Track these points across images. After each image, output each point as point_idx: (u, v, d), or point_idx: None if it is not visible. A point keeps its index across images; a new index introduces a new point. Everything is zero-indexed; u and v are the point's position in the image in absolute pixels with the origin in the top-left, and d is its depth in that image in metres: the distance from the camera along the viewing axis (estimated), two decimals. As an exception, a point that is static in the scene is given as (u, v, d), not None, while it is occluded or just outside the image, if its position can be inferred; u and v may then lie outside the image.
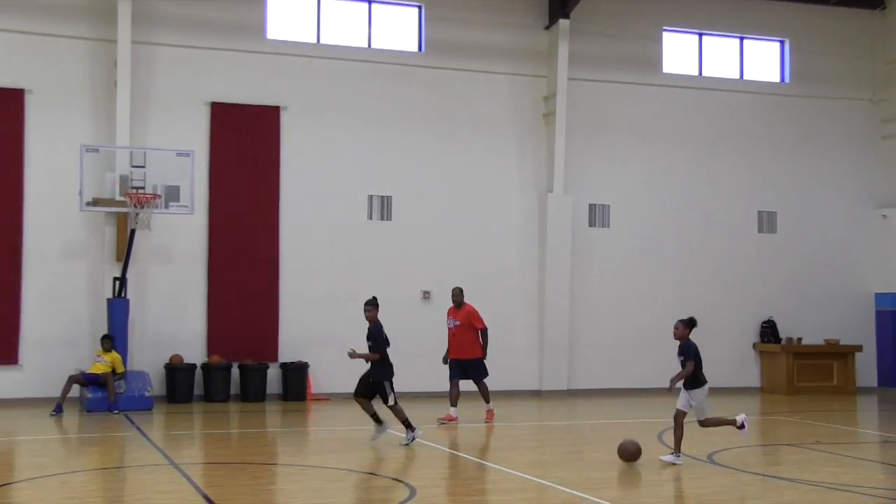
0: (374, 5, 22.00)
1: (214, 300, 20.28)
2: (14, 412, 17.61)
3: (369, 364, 13.92)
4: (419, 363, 19.30)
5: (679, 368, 12.30)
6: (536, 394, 21.82)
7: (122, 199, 18.55)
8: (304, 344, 20.56)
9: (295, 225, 20.90)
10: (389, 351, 14.03)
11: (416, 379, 19.14)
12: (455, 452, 13.70)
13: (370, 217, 21.58)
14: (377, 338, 13.89)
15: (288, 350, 20.59)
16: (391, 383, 13.79)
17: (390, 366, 13.94)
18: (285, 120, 21.03)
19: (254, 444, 14.81)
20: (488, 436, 15.51)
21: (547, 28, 22.61)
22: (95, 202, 18.58)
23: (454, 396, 16.72)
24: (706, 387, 12.39)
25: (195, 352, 19.98)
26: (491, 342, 17.22)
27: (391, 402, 13.72)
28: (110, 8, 19.69)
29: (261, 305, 20.52)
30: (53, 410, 17.09)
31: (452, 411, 16.54)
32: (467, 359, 16.87)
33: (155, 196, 18.52)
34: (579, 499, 10.12)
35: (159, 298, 19.97)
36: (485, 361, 17.09)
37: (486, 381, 17.08)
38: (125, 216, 18.86)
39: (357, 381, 14.10)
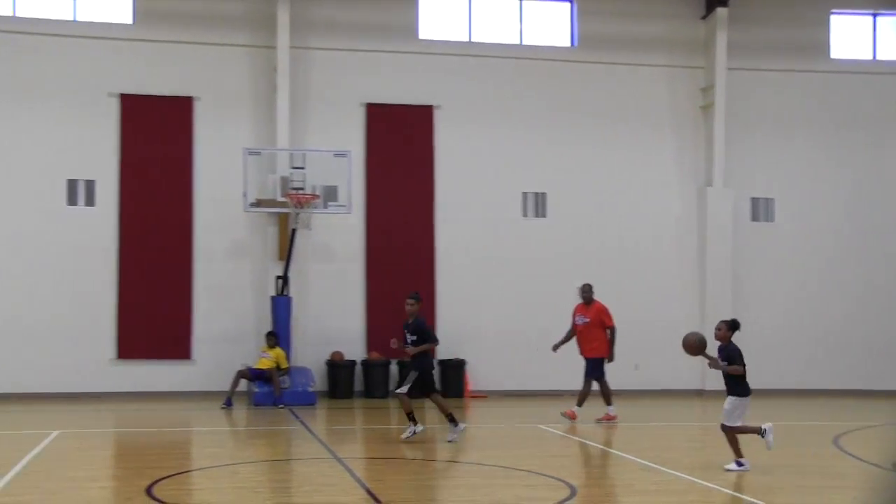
0: (525, 2, 21.98)
1: (373, 297, 20.66)
2: (188, 404, 18.42)
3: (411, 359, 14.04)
4: (576, 361, 19.15)
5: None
6: (699, 393, 21.36)
7: (283, 199, 19.10)
8: (461, 341, 20.69)
9: (450, 223, 21.07)
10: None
11: (573, 377, 18.96)
12: (614, 451, 13.53)
13: (525, 214, 21.56)
14: (429, 331, 14.04)
15: (445, 347, 20.72)
16: (419, 375, 13.71)
17: (430, 361, 14.09)
18: (439, 118, 21.23)
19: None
20: (649, 435, 15.26)
21: (704, 17, 22.12)
22: (258, 203, 19.19)
23: (583, 396, 16.35)
24: (748, 398, 11.46)
25: (355, 348, 20.40)
26: (650, 341, 16.98)
27: (403, 389, 13.69)
28: (270, 16, 20.31)
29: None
30: (224, 403, 17.74)
31: (611, 410, 16.32)
32: (591, 357, 16.50)
33: (314, 196, 19.00)
34: None
35: (320, 296, 20.48)
36: (604, 361, 16.48)
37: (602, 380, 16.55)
38: (286, 216, 19.42)
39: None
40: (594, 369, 16.37)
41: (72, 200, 19.89)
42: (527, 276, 20.88)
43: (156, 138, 20.20)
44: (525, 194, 21.59)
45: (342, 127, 20.77)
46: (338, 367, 19.95)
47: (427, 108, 21.25)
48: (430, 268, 20.95)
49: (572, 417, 15.88)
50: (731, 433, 11.39)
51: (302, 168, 19.20)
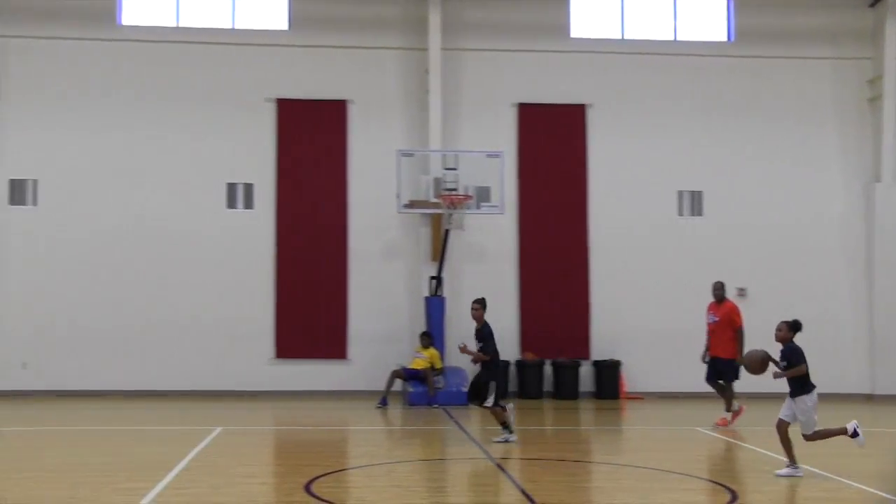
0: (679, -4, 21.51)
1: (526, 298, 20.55)
2: (343, 403, 18.71)
3: (479, 365, 13.89)
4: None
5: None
6: (868, 398, 20.41)
7: (436, 200, 19.20)
8: (616, 342, 20.38)
9: (603, 222, 20.79)
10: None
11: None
12: (778, 457, 13.01)
13: (680, 213, 21.08)
14: (487, 338, 13.75)
15: (600, 348, 20.50)
16: (496, 384, 13.59)
17: (499, 367, 13.87)
18: (591, 117, 20.98)
19: (568, 440, 14.81)
20: (816, 441, 14.59)
21: (872, 6, 21.14)
22: (411, 204, 19.35)
23: (727, 398, 15.84)
24: (814, 393, 11.14)
25: (509, 349, 20.26)
26: (814, 343, 16.17)
27: (489, 403, 13.51)
28: (422, 18, 20.45)
29: (571, 303, 20.58)
30: (379, 403, 17.94)
31: (729, 413, 15.76)
32: (722, 357, 15.91)
33: (467, 197, 19.02)
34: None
35: (473, 296, 20.35)
36: (735, 362, 15.79)
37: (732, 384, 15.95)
38: (439, 217, 19.51)
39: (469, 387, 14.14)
40: (727, 370, 15.86)
41: (231, 204, 20.49)
42: (682, 275, 20.40)
43: (311, 141, 20.62)
44: (680, 193, 21.10)
45: (494, 127, 20.75)
46: (491, 368, 19.88)
47: (579, 107, 21.01)
48: (584, 268, 20.70)
49: (725, 424, 15.45)
50: (814, 439, 11.29)
51: (454, 169, 19.25)
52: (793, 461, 11.20)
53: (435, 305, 19.41)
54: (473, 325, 20.10)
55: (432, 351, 18.69)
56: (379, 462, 11.99)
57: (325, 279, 20.40)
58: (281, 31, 20.81)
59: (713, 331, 16.00)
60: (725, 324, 15.88)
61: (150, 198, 20.24)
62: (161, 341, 19.94)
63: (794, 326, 11.39)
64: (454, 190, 19.09)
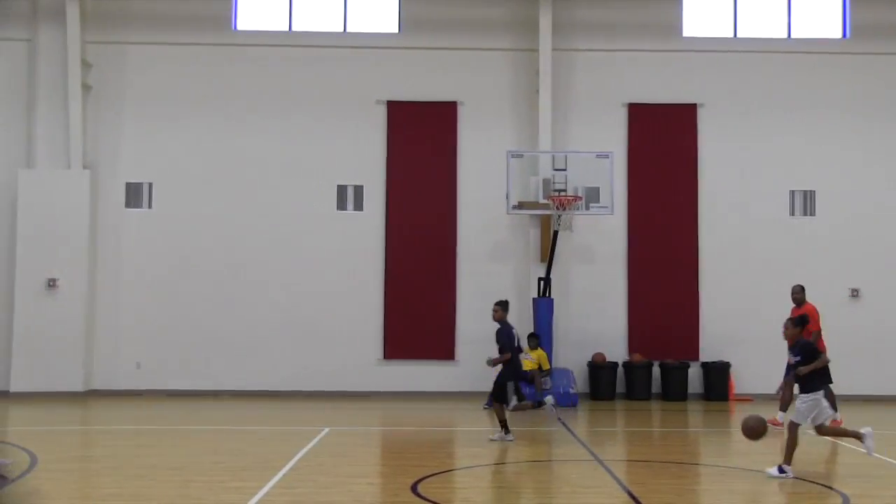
0: (795, -8, 20.96)
1: (634, 299, 20.30)
2: (451, 404, 18.75)
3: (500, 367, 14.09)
4: (850, 364, 18.09)
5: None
6: None
7: (545, 201, 19.10)
8: (726, 343, 19.99)
9: (714, 223, 20.42)
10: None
11: (847, 381, 17.83)
12: (891, 461, 12.52)
13: (792, 213, 20.57)
14: (504, 339, 13.98)
15: (709, 349, 20.13)
16: (514, 384, 14.14)
17: (517, 367, 14.17)
18: (703, 117, 20.61)
19: (676, 442, 14.56)
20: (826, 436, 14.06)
21: None
22: (520, 205, 19.29)
23: (784, 400, 15.35)
24: (814, 393, 11.22)
25: (617, 350, 20.11)
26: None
27: (512, 406, 14.10)
28: (532, 19, 20.36)
29: (680, 304, 20.25)
30: (486, 404, 17.90)
31: (780, 416, 15.25)
32: None
33: (576, 198, 18.87)
34: None
35: (581, 298, 20.32)
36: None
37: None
38: (548, 218, 19.40)
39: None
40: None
41: (341, 205, 20.73)
42: (794, 276, 19.70)
43: (421, 143, 20.73)
44: (793, 192, 20.58)
45: (604, 128, 20.55)
46: (599, 369, 19.72)
47: (690, 107, 20.66)
48: (694, 269, 20.35)
49: (777, 425, 15.04)
50: (824, 433, 11.36)
51: (564, 170, 19.13)
52: (786, 461, 11.13)
53: (543, 307, 19.30)
54: (582, 326, 20.15)
55: (540, 352, 18.55)
56: (485, 463, 11.96)
57: (434, 280, 20.48)
58: (391, 34, 20.98)
59: None
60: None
61: (262, 200, 20.62)
62: (271, 342, 20.30)
63: (800, 323, 11.64)
64: (563, 191, 18.96)
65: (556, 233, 19.15)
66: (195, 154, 20.66)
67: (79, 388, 19.81)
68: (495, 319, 14.24)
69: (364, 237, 20.62)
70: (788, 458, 11.12)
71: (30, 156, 20.42)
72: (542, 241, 19.97)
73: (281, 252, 20.52)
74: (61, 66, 20.25)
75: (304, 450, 12.75)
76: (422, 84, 20.83)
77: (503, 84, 20.82)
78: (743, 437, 11.59)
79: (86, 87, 20.41)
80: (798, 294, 15.80)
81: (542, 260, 19.74)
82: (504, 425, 13.89)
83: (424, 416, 17.54)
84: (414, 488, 10.18)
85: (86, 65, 20.40)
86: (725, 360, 19.82)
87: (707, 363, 19.83)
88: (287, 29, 21.08)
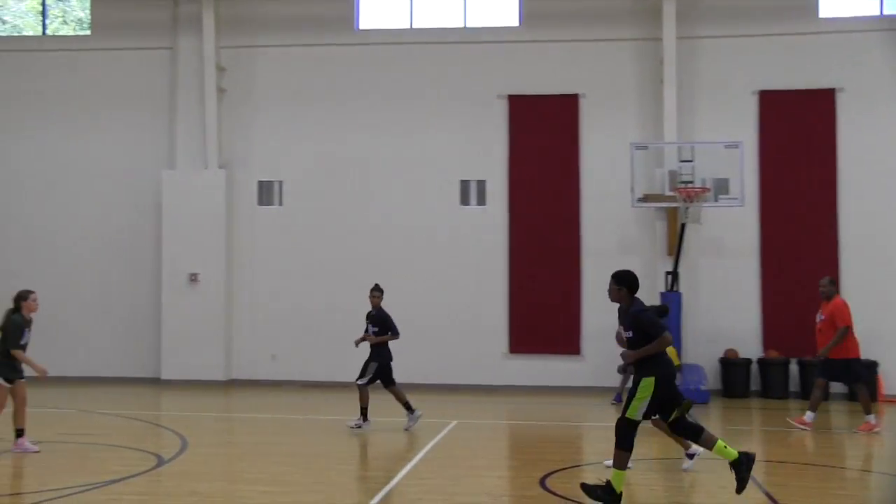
0: (937, -31, 20.03)
1: (769, 293, 19.74)
2: (577, 399, 18.61)
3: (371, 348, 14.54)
4: None
5: None
6: None
7: (671, 194, 18.76)
8: (872, 341, 19.10)
9: (855, 214, 19.63)
10: None
11: None
12: None
13: (938, 203, 19.65)
14: (385, 323, 14.61)
15: (852, 346, 19.38)
16: (378, 366, 14.30)
17: (388, 352, 14.56)
18: (842, 102, 19.83)
19: (819, 443, 14.09)
20: None
21: None
22: (646, 198, 18.99)
23: (814, 400, 14.71)
24: None
25: (750, 346, 19.60)
26: None
27: (364, 381, 14.21)
28: (655, 8, 20.04)
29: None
30: (614, 399, 17.72)
31: (808, 416, 14.57)
32: (835, 358, 14.67)
33: (704, 189, 18.47)
34: None
35: (711, 292, 19.90)
36: (853, 363, 14.75)
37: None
38: (675, 211, 19.06)
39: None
40: (843, 372, 14.84)
41: (464, 200, 20.80)
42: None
43: (542, 137, 20.62)
44: (939, 181, 19.67)
45: (732, 117, 20.04)
46: (732, 366, 19.27)
47: (828, 92, 19.90)
48: (833, 262, 19.58)
49: (804, 424, 14.49)
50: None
51: (691, 161, 18.74)
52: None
53: (671, 301, 18.96)
54: (712, 321, 19.75)
55: (669, 348, 18.25)
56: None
57: (558, 275, 20.37)
58: (512, 27, 20.94)
59: (820, 330, 14.96)
60: (830, 322, 14.80)
61: (387, 196, 20.86)
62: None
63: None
64: (691, 182, 18.59)
65: (683, 226, 18.80)
66: (321, 152, 21.03)
67: (220, 377, 20.53)
68: (374, 304, 14.92)
69: (487, 232, 20.64)
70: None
71: (171, 157, 21.19)
72: (668, 235, 19.64)
73: (405, 247, 20.72)
74: (198, 71, 20.93)
75: (433, 442, 12.85)
76: (543, 77, 20.73)
77: (626, 75, 20.55)
78: None
79: (220, 91, 21.02)
80: (825, 287, 15.12)
81: (669, 254, 19.42)
82: (408, 406, 14.18)
83: (551, 411, 17.47)
84: (542, 482, 10.16)
85: (220, 69, 21.01)
86: (873, 359, 18.80)
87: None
88: (408, 26, 21.26)
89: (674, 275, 19.08)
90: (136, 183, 21.26)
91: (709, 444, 9.41)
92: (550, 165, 20.55)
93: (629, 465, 9.34)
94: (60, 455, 11.92)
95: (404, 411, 14.30)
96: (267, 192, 21.18)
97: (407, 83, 21.00)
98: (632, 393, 9.43)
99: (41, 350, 20.83)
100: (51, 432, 13.36)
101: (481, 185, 20.76)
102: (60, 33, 21.96)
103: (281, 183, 21.15)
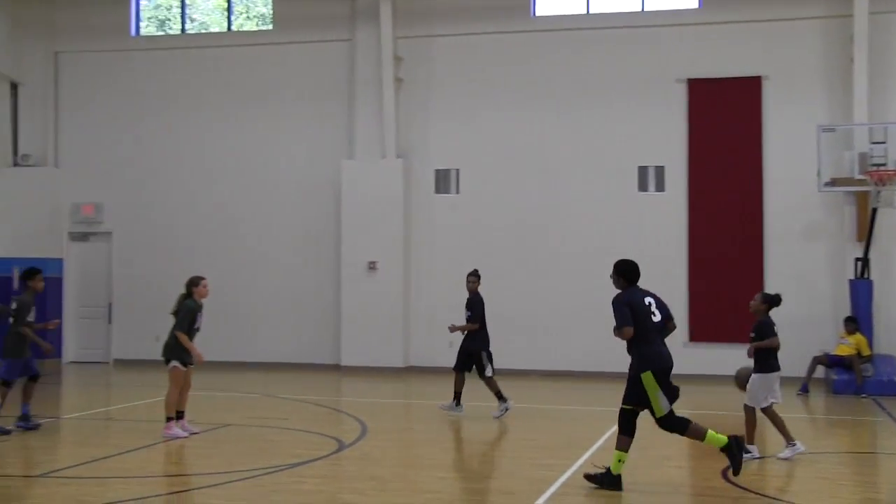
0: None
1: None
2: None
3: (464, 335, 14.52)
4: None
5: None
6: None
7: (861, 177, 17.93)
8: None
9: None
10: None
11: None
12: None
13: None
14: (475, 308, 14.52)
15: None
16: (488, 354, 14.33)
17: (486, 337, 14.46)
18: None
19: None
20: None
21: None
22: (833, 182, 18.22)
23: None
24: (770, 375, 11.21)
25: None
26: None
27: (488, 373, 14.15)
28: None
29: None
30: (800, 390, 17.12)
31: None
32: None
33: (897, 172, 17.57)
34: None
35: (904, 279, 18.91)
36: None
37: None
38: (865, 195, 18.21)
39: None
40: None
41: (642, 186, 20.45)
42: None
43: (723, 121, 20.04)
44: None
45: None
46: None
47: None
48: None
49: None
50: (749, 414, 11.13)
51: (883, 143, 17.83)
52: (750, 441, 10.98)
53: (861, 289, 18.15)
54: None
55: (858, 337, 17.50)
56: (801, 452, 11.40)
57: (740, 262, 19.76)
58: (692, 9, 20.40)
59: None
60: None
61: (564, 183, 20.71)
62: (571, 324, 20.35)
63: (768, 299, 11.53)
64: (883, 165, 17.69)
65: (874, 210, 17.91)
66: (496, 140, 21.06)
67: (399, 363, 20.87)
68: (470, 290, 14.96)
69: (666, 218, 20.22)
70: (750, 436, 11.16)
71: (350, 147, 21.67)
72: (858, 220, 18.76)
73: (582, 235, 20.52)
74: (376, 62, 21.28)
75: (610, 431, 12.71)
76: (724, 60, 20.10)
77: (812, 55, 19.70)
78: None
79: (398, 81, 21.35)
80: None
81: (860, 239, 18.54)
82: (457, 397, 14.29)
83: (732, 400, 16.94)
84: (724, 473, 9.91)
85: (397, 59, 21.34)
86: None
87: None
88: (585, 11, 21.03)
89: (864, 261, 18.23)
90: (316, 173, 21.85)
91: (699, 435, 9.37)
92: (732, 150, 19.96)
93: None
94: (247, 438, 12.40)
95: (453, 401, 14.53)
96: (444, 181, 21.39)
97: (583, 69, 20.78)
98: (642, 398, 9.52)
99: (226, 336, 21.91)
100: (238, 416, 13.92)
101: (660, 170, 20.36)
102: (244, 29, 22.79)
103: (458, 171, 21.31)
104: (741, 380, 11.50)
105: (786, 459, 10.82)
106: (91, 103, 22.81)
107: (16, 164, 22.55)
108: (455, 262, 21.10)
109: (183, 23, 22.93)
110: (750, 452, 10.82)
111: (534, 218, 20.83)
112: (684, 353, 19.80)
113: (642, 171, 20.43)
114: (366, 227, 21.14)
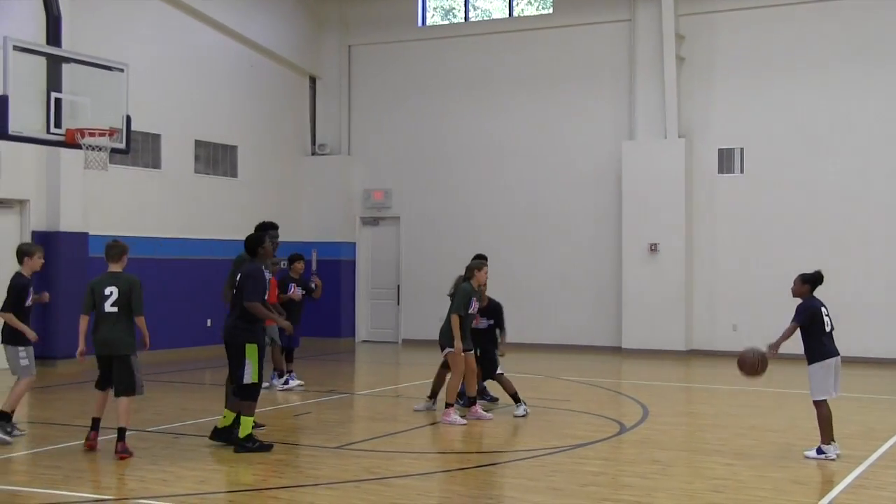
0: None
1: None
2: None
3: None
4: None
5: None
6: None
7: None
8: None
9: None
10: None
11: None
12: None
13: None
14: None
15: None
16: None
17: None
18: None
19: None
20: None
21: None
22: None
23: None
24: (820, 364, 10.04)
25: None
26: None
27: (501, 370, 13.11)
28: None
29: None
30: None
31: None
32: None
33: None
34: None
35: None
36: None
37: None
38: None
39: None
40: None
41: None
42: None
43: None
44: None
45: None
46: None
47: None
48: None
49: None
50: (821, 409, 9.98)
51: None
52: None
53: None
54: None
55: None
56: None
57: None
58: None
59: None
60: None
61: (868, 162, 19.47)
62: (867, 309, 19.15)
63: (807, 279, 10.46)
64: None
65: None
66: (785, 116, 20.11)
67: (680, 347, 20.49)
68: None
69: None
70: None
71: (631, 128, 21.44)
72: None
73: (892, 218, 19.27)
74: (657, 41, 20.89)
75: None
76: None
77: None
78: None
79: (679, 59, 20.87)
80: None
81: None
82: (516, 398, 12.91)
83: None
84: None
85: (679, 38, 20.86)
86: None
87: None
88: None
89: None
90: (597, 154, 21.73)
91: None
92: None
93: None
94: (530, 418, 12.57)
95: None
96: (727, 160, 20.71)
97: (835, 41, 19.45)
98: None
99: (513, 319, 22.14)
100: (522, 397, 14.06)
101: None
102: (525, 13, 23.02)
103: (742, 150, 20.57)
104: (748, 363, 10.43)
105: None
106: (379, 93, 23.85)
107: (314, 154, 23.98)
108: (740, 244, 20.48)
109: (466, 11, 23.49)
110: (825, 453, 9.88)
111: (827, 201, 19.72)
112: None
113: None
114: (647, 208, 20.84)
